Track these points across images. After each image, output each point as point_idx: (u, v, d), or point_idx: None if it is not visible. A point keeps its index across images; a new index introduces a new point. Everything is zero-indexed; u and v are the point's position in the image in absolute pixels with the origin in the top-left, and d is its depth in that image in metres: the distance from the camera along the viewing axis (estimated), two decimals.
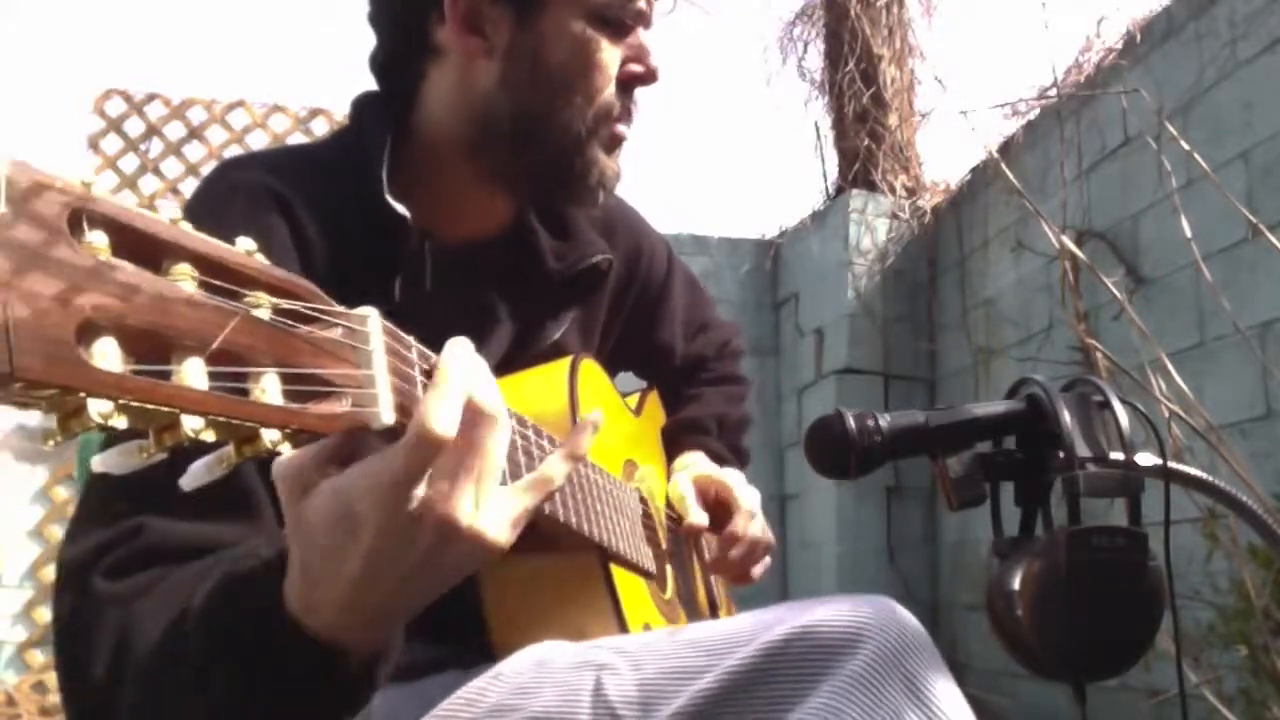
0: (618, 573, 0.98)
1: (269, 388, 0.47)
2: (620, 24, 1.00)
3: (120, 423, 0.40)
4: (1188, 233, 2.23)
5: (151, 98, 5.04)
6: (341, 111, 5.05)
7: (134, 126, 5.02)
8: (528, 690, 0.84)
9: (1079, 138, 3.65)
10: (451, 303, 1.00)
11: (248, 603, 0.64)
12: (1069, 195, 3.61)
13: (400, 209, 0.95)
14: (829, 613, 0.75)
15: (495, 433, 0.62)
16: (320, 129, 5.12)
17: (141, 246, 0.42)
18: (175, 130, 5.04)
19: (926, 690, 0.71)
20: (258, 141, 5.10)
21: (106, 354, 0.40)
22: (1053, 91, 3.84)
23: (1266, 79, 2.94)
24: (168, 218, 0.43)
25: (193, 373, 0.43)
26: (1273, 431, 2.84)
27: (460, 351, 0.62)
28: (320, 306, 0.52)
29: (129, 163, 4.99)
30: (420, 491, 0.58)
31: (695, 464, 1.27)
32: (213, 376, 0.44)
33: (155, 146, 5.01)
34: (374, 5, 1.03)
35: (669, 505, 1.22)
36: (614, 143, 1.03)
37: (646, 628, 1.01)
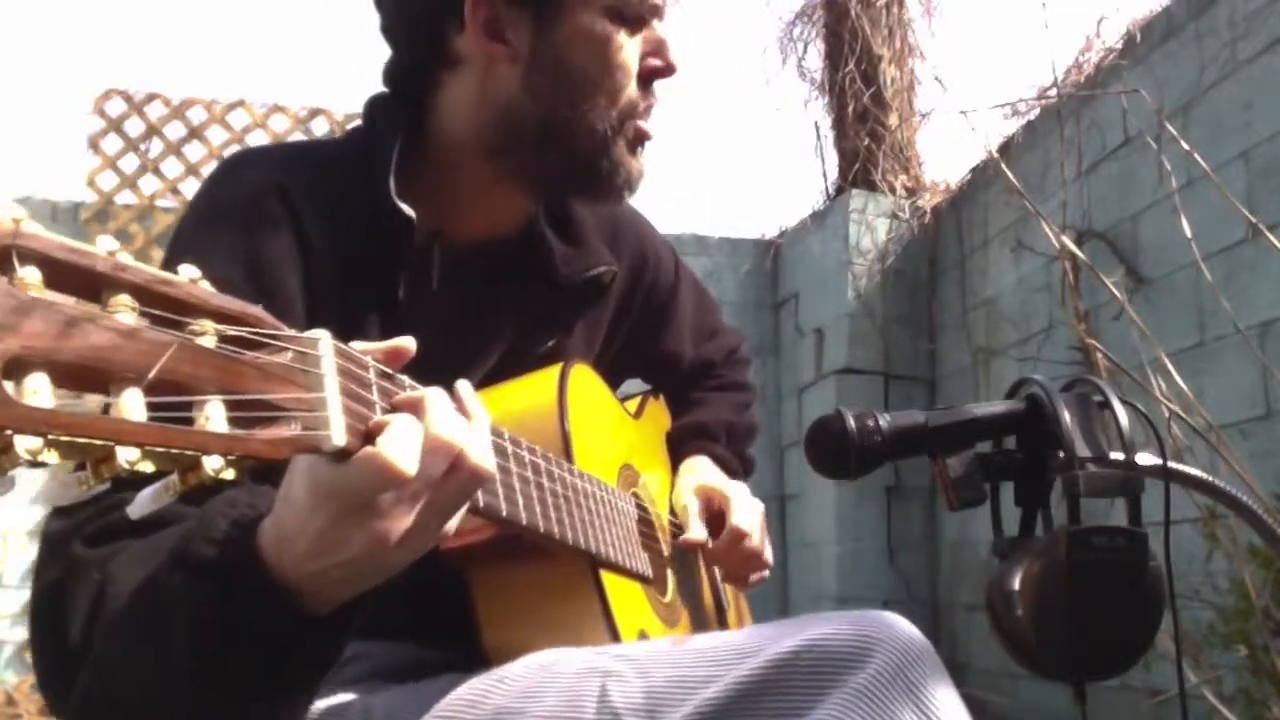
0: (609, 577, 0.97)
1: (213, 415, 0.47)
2: (637, 18, 0.99)
3: (51, 458, 0.40)
4: (1188, 233, 2.21)
5: (151, 98, 5.06)
6: (341, 111, 5.06)
7: (134, 126, 5.03)
8: (532, 694, 0.84)
9: (1079, 138, 3.64)
10: (455, 303, 1.00)
11: (219, 533, 0.66)
12: (1069, 195, 3.59)
13: (406, 209, 0.95)
14: (837, 627, 0.76)
15: (453, 465, 0.64)
16: (320, 129, 5.13)
17: (78, 279, 0.42)
18: (175, 130, 5.06)
19: (928, 699, 0.73)
20: (257, 142, 5.09)
21: (38, 390, 0.39)
22: (1053, 91, 3.83)
23: (1266, 79, 2.93)
24: (105, 249, 0.43)
25: (130, 404, 0.43)
26: (1273, 431, 2.83)
27: (435, 397, 0.65)
28: (268, 331, 0.52)
29: (129, 163, 5.00)
30: (366, 506, 0.61)
31: (701, 471, 1.26)
32: (152, 407, 0.44)
33: (155, 146, 5.03)
34: (389, 16, 1.02)
35: (672, 511, 1.22)
36: (639, 140, 1.02)
37: (642, 633, 1.00)
